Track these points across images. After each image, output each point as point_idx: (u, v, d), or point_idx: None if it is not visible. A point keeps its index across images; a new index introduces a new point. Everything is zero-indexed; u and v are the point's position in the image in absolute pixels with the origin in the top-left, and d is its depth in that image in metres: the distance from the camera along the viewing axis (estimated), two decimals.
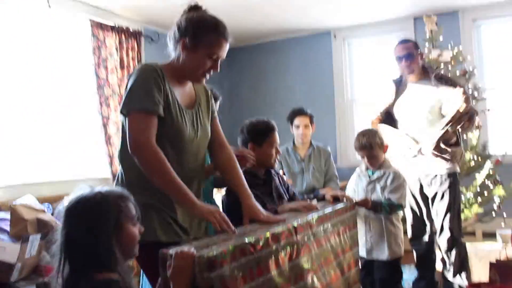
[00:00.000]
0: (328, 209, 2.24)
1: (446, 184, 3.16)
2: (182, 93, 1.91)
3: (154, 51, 4.93)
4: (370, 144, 2.90)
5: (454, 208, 3.18)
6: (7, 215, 3.04)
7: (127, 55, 4.53)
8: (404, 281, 3.76)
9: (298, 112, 3.85)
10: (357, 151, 2.99)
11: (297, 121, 3.81)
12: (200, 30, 1.83)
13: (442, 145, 3.05)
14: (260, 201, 2.50)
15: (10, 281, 2.63)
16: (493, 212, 4.00)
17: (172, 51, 1.92)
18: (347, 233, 2.46)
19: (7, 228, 2.95)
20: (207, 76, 1.92)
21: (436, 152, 3.06)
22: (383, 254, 2.85)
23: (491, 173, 3.97)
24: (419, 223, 3.34)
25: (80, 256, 1.36)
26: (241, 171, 2.02)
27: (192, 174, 1.88)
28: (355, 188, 3.03)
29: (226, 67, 6.32)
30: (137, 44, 4.74)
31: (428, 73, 3.33)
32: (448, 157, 3.08)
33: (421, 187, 3.25)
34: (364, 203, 2.78)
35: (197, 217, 1.87)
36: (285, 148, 3.84)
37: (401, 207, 2.89)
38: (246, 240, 1.52)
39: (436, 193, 3.19)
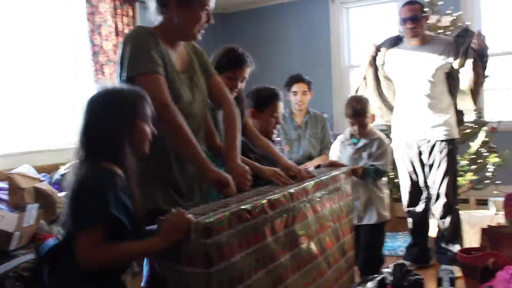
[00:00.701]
0: (325, 176, 2.25)
1: (444, 151, 3.18)
2: (175, 56, 1.90)
3: (148, 17, 4.83)
4: (364, 111, 2.88)
5: (450, 175, 3.20)
6: (4, 185, 3.05)
7: (122, 21, 4.45)
8: (398, 247, 3.84)
9: (296, 78, 3.81)
10: (348, 118, 2.96)
11: (295, 87, 3.78)
12: None
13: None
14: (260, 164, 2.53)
15: (9, 249, 2.65)
16: (489, 180, 4.02)
17: (155, 13, 1.90)
18: (343, 200, 2.48)
19: (5, 197, 2.97)
20: (202, 31, 1.92)
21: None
22: (371, 218, 2.88)
23: (486, 139, 3.98)
24: (416, 190, 3.37)
25: (93, 144, 1.47)
26: (236, 131, 2.01)
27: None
28: (340, 156, 3.02)
29: (221, 33, 6.26)
30: (132, 10, 4.65)
31: (430, 37, 3.29)
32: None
33: (419, 153, 3.26)
34: (355, 171, 2.78)
35: (204, 182, 1.92)
36: (282, 114, 3.83)
37: (385, 173, 2.94)
38: (243, 207, 1.53)
39: (434, 160, 3.20)
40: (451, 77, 3.21)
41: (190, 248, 1.38)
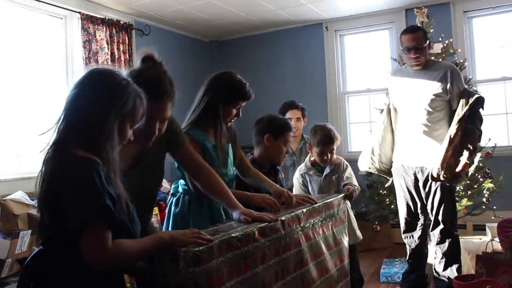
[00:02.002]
0: (318, 203, 2.24)
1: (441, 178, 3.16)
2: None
3: (145, 44, 4.90)
4: (336, 138, 2.96)
5: (448, 202, 3.18)
6: None
7: (118, 48, 4.51)
8: (395, 274, 3.80)
9: (290, 105, 3.85)
10: (316, 147, 2.96)
11: (289, 114, 3.81)
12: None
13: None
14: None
15: (1, 276, 2.63)
16: (484, 205, 4.02)
17: None
18: (337, 226, 2.47)
19: None
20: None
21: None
22: (349, 240, 2.85)
23: (481, 165, 3.99)
24: (412, 217, 3.35)
25: (76, 122, 1.35)
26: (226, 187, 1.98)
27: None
28: (306, 187, 3.05)
29: (216, 59, 6.33)
30: (128, 37, 4.70)
31: (432, 61, 3.29)
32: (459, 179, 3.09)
33: (416, 180, 3.25)
34: (350, 195, 2.77)
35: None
36: None
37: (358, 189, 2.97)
38: (233, 235, 1.52)
39: (430, 188, 3.19)
40: (451, 106, 3.17)
41: (179, 277, 1.36)
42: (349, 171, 3.00)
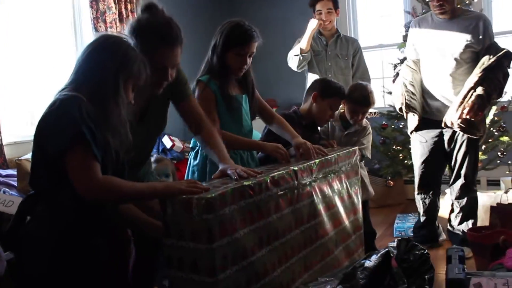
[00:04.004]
0: (330, 155, 2.23)
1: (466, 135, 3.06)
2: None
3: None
4: (373, 101, 2.87)
5: (471, 156, 3.10)
6: (14, 172, 3.10)
7: (126, 8, 4.42)
8: (408, 228, 3.81)
9: None
10: (352, 103, 2.86)
11: (318, 6, 3.55)
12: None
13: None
14: None
15: None
16: (498, 160, 3.97)
17: None
18: (349, 179, 2.47)
19: (15, 183, 3.01)
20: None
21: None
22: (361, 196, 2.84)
23: (496, 119, 3.92)
24: (430, 172, 3.28)
25: (85, 79, 1.43)
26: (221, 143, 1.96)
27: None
28: (325, 136, 2.98)
29: (227, 15, 6.17)
30: None
31: (461, 10, 3.12)
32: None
33: (441, 135, 3.18)
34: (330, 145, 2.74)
35: None
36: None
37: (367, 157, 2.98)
38: (246, 183, 1.52)
39: (455, 142, 3.12)
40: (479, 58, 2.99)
41: (192, 224, 1.38)
42: (368, 139, 2.93)
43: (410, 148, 3.53)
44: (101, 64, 1.43)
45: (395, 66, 4.12)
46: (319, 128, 2.97)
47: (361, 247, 2.60)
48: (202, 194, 1.38)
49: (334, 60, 3.63)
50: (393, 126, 4.26)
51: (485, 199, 3.50)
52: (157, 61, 1.64)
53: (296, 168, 1.84)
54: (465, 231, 3.11)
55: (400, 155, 4.14)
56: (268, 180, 1.63)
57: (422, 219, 3.41)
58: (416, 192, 3.40)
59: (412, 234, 3.63)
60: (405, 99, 3.10)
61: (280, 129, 2.36)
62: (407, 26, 4.19)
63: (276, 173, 1.71)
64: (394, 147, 4.20)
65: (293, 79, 5.10)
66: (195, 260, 1.41)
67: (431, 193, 3.31)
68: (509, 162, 3.94)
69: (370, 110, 3.32)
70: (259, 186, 1.58)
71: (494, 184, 4.35)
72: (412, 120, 3.16)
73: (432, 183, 3.31)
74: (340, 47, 3.65)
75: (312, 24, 3.51)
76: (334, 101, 2.67)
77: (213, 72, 2.18)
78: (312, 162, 2.01)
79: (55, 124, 1.35)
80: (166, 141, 4.11)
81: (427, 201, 3.34)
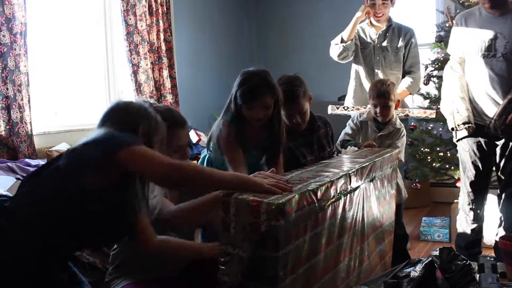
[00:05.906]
0: (377, 158, 2.18)
1: None
2: None
3: None
4: (388, 93, 2.78)
5: None
6: (43, 162, 3.10)
7: (156, 1, 4.39)
8: (434, 232, 3.77)
9: None
10: (371, 99, 2.84)
11: None
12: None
13: None
14: (299, 152, 2.50)
15: None
16: None
17: None
18: (390, 182, 2.43)
19: None
20: None
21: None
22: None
23: None
24: (480, 180, 3.00)
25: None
26: None
27: None
28: (357, 134, 2.89)
29: (254, 14, 6.15)
30: None
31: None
32: None
33: (490, 137, 2.92)
34: (370, 146, 2.66)
35: None
36: (359, 27, 3.44)
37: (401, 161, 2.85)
38: (310, 188, 1.46)
39: (508, 144, 2.88)
40: None
41: (259, 230, 1.33)
42: (403, 142, 2.86)
43: (438, 150, 3.44)
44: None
45: (426, 67, 4.05)
46: (350, 122, 2.92)
47: (390, 251, 2.56)
48: (271, 199, 1.32)
49: (383, 53, 3.35)
50: (421, 128, 4.21)
51: None
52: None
53: (350, 172, 1.79)
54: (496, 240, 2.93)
55: (429, 157, 4.09)
56: (328, 184, 1.58)
57: (475, 235, 3.06)
58: (467, 203, 3.04)
59: (438, 239, 3.55)
60: (464, 121, 2.85)
61: None
62: (439, 26, 4.13)
63: (336, 177, 1.65)
64: (422, 149, 4.14)
65: (319, 76, 5.07)
66: (255, 267, 1.36)
67: (480, 198, 3.04)
68: None
69: (403, 111, 3.27)
70: (321, 191, 1.53)
71: None
72: (463, 131, 2.89)
73: (485, 193, 3.06)
74: (391, 38, 3.33)
75: (359, 12, 3.28)
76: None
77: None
78: (364, 165, 1.96)
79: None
80: (192, 136, 4.09)
81: (480, 214, 3.03)
